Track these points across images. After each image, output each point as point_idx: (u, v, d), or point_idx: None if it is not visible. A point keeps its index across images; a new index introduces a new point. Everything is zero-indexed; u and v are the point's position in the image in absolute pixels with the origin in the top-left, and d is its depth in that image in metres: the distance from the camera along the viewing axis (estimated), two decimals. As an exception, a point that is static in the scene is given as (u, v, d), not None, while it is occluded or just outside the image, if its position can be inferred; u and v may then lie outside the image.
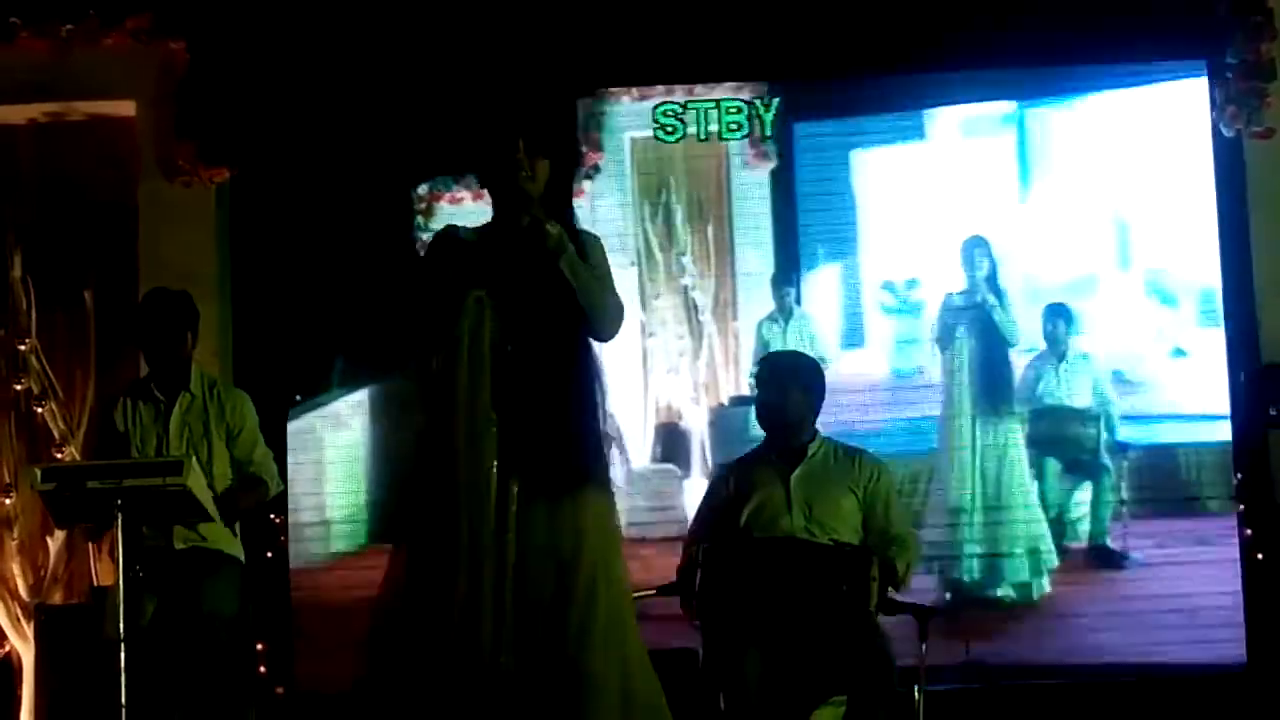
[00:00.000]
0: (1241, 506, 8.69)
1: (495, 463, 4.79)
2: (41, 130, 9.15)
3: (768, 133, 9.23)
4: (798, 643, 6.22)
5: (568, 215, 5.00)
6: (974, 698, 8.19)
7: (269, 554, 8.63)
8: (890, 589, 6.41)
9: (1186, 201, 8.99)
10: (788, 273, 9.38)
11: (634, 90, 9.31)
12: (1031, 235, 9.22)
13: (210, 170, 8.82)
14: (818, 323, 9.40)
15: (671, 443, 9.41)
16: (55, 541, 8.68)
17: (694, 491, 9.09)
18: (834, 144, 9.45)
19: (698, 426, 9.40)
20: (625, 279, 8.94)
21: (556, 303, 4.86)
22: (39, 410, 8.83)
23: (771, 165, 9.34)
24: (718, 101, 9.22)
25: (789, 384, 6.70)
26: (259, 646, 8.24)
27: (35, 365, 8.83)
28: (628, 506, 8.68)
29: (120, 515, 6.49)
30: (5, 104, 9.03)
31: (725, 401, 9.46)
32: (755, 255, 9.43)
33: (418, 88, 8.91)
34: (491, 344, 4.85)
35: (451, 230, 5.08)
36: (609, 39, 8.87)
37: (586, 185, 9.06)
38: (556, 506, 4.82)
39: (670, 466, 9.38)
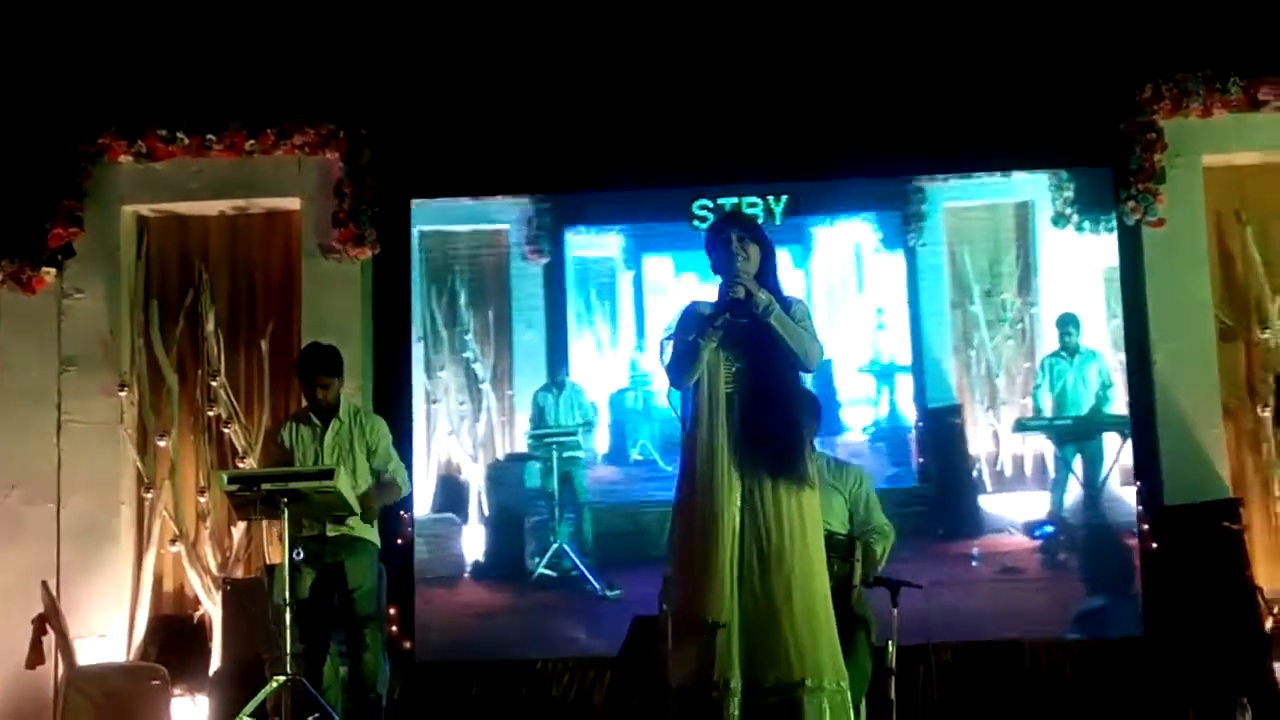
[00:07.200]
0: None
1: (732, 466, 5.18)
2: (229, 220, 9.34)
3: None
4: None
5: (772, 283, 5.35)
6: (932, 652, 8.18)
7: (399, 541, 8.69)
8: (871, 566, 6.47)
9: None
10: (559, 351, 9.18)
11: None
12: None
13: (357, 250, 8.93)
14: (587, 393, 9.21)
15: (451, 494, 9.23)
16: (238, 530, 8.82)
17: (471, 537, 9.09)
18: (599, 263, 9.29)
19: (475, 480, 9.18)
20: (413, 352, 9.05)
21: (770, 348, 5.23)
22: (226, 431, 9.01)
23: (545, 261, 9.23)
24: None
25: None
26: (390, 611, 8.24)
27: (224, 397, 9.00)
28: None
29: (286, 510, 6.69)
30: (201, 200, 9.21)
31: (501, 458, 9.26)
32: (530, 334, 9.23)
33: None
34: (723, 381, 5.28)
35: (694, 304, 5.41)
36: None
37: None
38: (776, 497, 5.18)
39: (449, 515, 9.19)
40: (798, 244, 9.18)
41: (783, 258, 8.52)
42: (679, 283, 9.24)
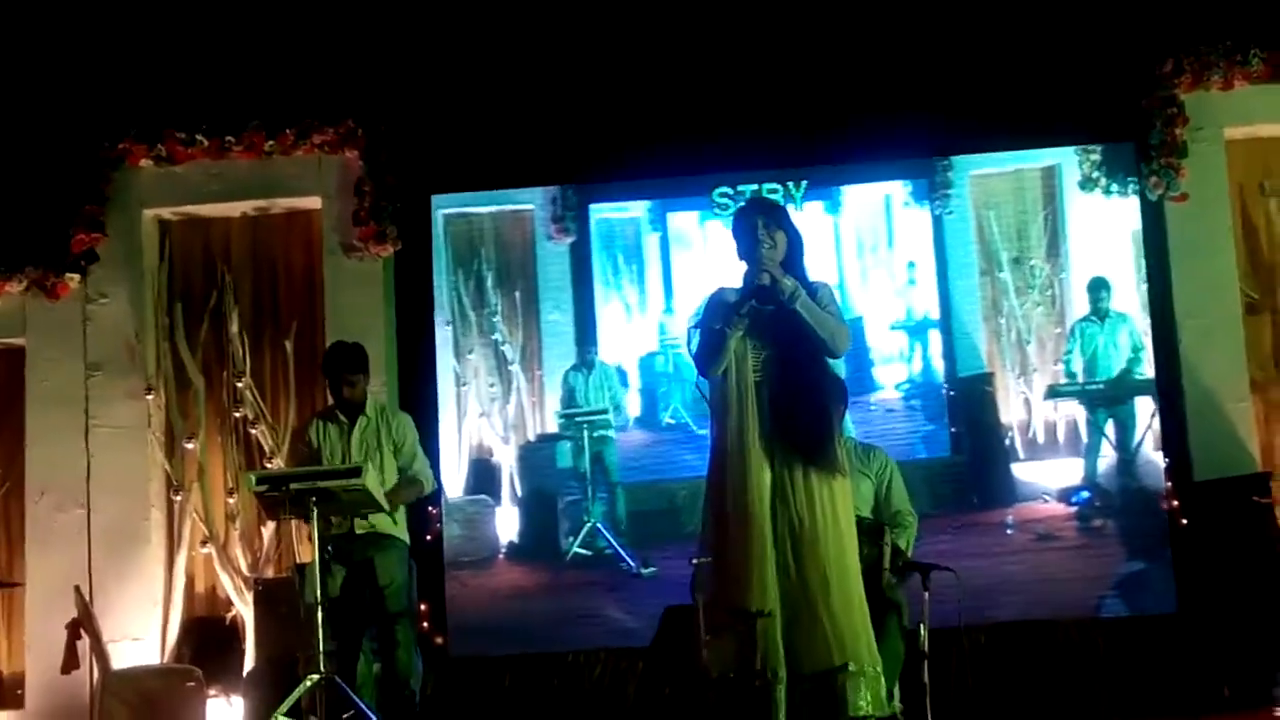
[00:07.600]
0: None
1: (763, 454, 5.20)
2: (250, 221, 9.38)
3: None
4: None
5: (799, 270, 5.35)
6: (965, 634, 8.11)
7: (428, 537, 8.69)
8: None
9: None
10: (587, 330, 9.13)
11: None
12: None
13: (378, 247, 8.91)
14: (616, 373, 9.15)
15: (483, 476, 9.19)
16: (267, 530, 8.85)
17: (504, 519, 9.09)
18: (625, 224, 9.28)
19: (507, 462, 9.14)
20: (441, 336, 9.04)
21: (797, 335, 5.23)
22: (253, 431, 9.03)
23: (571, 239, 9.17)
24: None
25: None
26: (422, 607, 8.24)
27: (250, 397, 9.04)
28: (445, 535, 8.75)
29: (315, 508, 6.68)
30: (222, 201, 9.22)
31: (532, 439, 9.22)
32: (558, 314, 9.18)
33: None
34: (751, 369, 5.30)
35: (720, 291, 5.42)
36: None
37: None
38: (808, 484, 5.19)
39: (483, 497, 9.15)
40: (826, 198, 9.21)
41: (812, 208, 8.48)
42: (705, 232, 9.25)
